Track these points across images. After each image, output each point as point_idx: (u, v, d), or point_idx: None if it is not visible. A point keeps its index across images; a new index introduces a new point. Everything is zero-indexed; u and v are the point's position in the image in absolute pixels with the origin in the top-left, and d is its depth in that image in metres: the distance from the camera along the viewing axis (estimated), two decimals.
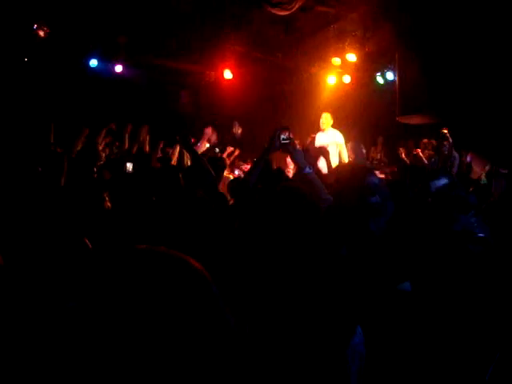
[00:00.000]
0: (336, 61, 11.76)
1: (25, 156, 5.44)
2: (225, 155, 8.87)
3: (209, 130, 8.79)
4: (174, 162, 7.05)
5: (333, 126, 9.71)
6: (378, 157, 11.58)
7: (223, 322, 1.00)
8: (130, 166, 5.80)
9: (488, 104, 8.73)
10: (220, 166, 5.42)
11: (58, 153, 6.19)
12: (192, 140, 7.50)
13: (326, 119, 9.41)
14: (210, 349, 0.97)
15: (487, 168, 7.06)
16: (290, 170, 8.86)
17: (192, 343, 0.95)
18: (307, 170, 3.35)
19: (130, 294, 0.96)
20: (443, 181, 3.61)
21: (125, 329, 0.94)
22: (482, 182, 6.82)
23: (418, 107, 10.14)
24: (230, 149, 9.08)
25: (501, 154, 7.29)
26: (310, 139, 12.48)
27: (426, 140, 9.64)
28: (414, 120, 10.53)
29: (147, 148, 7.79)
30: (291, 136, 3.57)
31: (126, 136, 7.72)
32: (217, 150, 9.07)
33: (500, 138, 7.88)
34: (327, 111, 9.63)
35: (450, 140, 8.32)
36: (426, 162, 8.92)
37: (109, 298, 0.96)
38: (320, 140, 9.26)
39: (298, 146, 3.72)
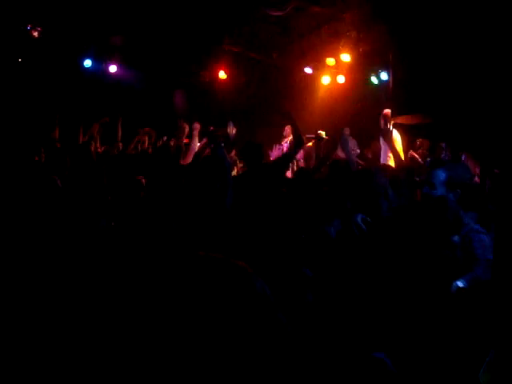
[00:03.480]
0: (330, 61, 11.77)
1: (20, 154, 5.44)
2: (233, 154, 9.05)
3: (197, 125, 8.87)
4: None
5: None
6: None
7: (276, 322, 1.06)
8: None
9: (481, 104, 8.78)
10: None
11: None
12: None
13: None
14: (266, 347, 1.04)
15: (478, 169, 7.10)
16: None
17: (248, 342, 1.01)
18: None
19: (194, 294, 1.03)
20: None
21: (190, 323, 1.01)
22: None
23: (411, 107, 10.18)
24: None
25: (494, 154, 7.33)
26: (304, 139, 12.51)
27: (420, 140, 9.68)
28: (407, 120, 10.56)
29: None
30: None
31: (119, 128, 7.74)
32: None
33: (493, 138, 7.92)
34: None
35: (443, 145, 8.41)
36: (421, 161, 8.98)
37: (176, 297, 1.04)
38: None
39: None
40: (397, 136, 8.80)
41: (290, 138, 10.56)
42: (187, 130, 7.53)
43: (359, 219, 3.05)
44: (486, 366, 1.96)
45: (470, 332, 2.62)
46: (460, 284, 3.03)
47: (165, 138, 9.06)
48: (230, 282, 1.06)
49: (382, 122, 8.98)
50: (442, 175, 3.46)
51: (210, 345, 1.01)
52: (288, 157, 6.03)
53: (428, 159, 9.23)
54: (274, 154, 9.05)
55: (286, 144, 10.24)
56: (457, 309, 2.82)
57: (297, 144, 5.90)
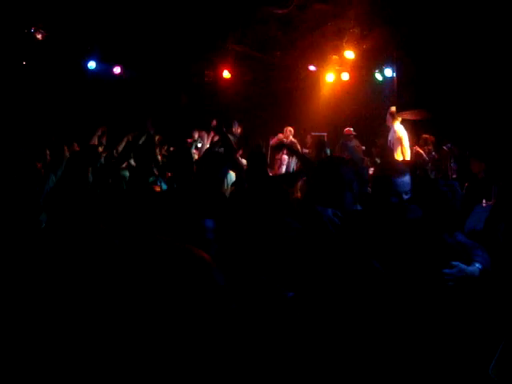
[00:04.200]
0: (334, 58, 11.75)
1: (24, 157, 5.46)
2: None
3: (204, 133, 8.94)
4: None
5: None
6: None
7: (225, 307, 1.07)
8: None
9: (487, 100, 8.71)
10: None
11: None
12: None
13: None
14: (213, 329, 1.05)
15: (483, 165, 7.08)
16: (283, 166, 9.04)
17: (195, 324, 1.03)
18: None
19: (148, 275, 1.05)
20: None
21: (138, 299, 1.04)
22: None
23: (416, 102, 10.14)
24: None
25: (496, 151, 7.30)
26: (309, 138, 12.54)
27: (425, 135, 9.64)
28: (412, 115, 10.52)
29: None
30: None
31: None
32: (199, 144, 9.18)
33: (498, 134, 7.88)
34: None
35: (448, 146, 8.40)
36: (426, 157, 8.95)
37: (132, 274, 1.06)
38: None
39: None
40: (404, 133, 8.79)
41: (290, 138, 10.63)
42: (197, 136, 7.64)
43: (330, 213, 3.03)
44: (497, 359, 1.94)
45: (480, 326, 2.60)
46: (479, 266, 2.95)
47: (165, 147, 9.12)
48: (185, 268, 1.08)
49: (389, 118, 8.96)
50: (408, 178, 3.42)
51: (165, 326, 1.03)
52: (294, 178, 5.92)
53: (433, 153, 9.20)
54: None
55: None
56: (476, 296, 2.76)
57: (305, 170, 5.85)
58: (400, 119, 8.87)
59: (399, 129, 8.77)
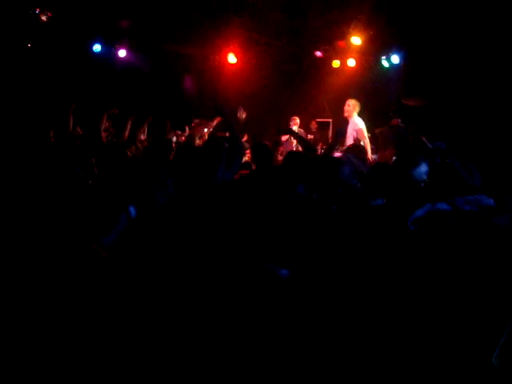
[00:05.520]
0: (341, 44, 11.67)
1: (27, 141, 5.42)
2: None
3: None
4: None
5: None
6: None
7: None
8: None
9: (496, 91, 8.67)
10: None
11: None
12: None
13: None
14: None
15: None
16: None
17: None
18: None
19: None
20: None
21: None
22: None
23: (421, 90, 10.12)
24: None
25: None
26: (314, 124, 12.50)
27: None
28: (417, 102, 10.49)
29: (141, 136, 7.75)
30: None
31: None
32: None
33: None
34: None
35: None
36: (429, 145, 8.87)
37: None
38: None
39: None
40: (363, 125, 8.79)
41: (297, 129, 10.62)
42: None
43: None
44: (500, 347, 1.93)
45: (482, 315, 2.59)
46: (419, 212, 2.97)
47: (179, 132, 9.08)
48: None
49: (349, 109, 8.89)
50: (425, 167, 3.45)
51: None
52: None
53: (439, 143, 9.12)
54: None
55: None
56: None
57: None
58: (358, 111, 8.82)
59: (359, 121, 8.77)
